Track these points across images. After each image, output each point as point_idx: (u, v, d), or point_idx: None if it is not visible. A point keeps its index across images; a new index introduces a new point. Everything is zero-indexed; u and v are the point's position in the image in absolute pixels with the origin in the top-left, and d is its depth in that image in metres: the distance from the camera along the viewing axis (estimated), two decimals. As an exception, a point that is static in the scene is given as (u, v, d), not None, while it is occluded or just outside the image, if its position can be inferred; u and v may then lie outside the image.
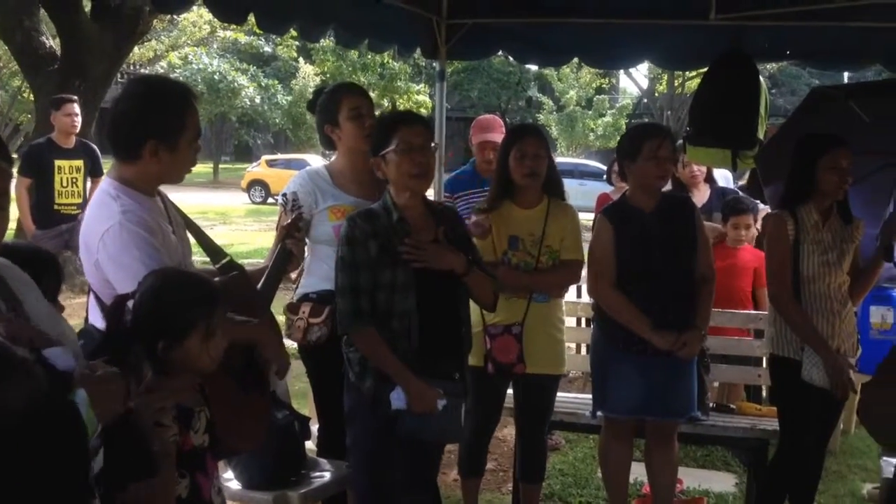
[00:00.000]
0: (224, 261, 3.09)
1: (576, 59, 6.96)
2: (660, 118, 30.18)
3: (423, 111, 23.58)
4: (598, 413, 4.28)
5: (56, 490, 1.74)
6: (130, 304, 2.42)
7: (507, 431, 5.68)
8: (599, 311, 4.19)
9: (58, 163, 7.72)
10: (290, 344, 3.97)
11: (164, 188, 2.98)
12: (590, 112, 32.27)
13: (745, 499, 4.90)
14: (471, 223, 4.08)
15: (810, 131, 4.22)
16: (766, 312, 4.54)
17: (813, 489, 4.29)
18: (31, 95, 12.13)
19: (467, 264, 3.42)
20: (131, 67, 23.46)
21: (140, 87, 2.88)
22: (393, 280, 3.29)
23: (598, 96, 33.14)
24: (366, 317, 3.29)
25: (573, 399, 5.08)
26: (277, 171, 28.83)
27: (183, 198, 4.60)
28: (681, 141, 5.77)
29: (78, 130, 7.89)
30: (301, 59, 32.24)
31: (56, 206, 7.74)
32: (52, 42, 10.39)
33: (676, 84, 31.12)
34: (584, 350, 6.11)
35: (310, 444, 3.83)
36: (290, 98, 34.06)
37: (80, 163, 7.80)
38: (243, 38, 22.91)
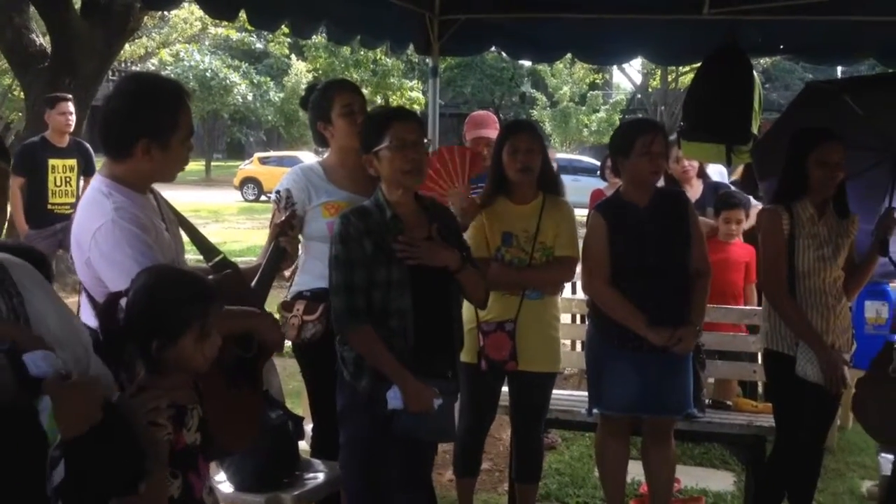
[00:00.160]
0: (217, 259, 3.08)
1: (569, 55, 6.94)
2: (653, 113, 30.19)
3: (416, 108, 23.55)
4: (594, 410, 4.25)
5: (5, 497, 1.70)
6: (123, 302, 2.40)
7: (502, 431, 5.66)
8: (594, 307, 4.17)
9: (51, 162, 7.68)
10: (285, 342, 3.96)
11: (156, 186, 2.95)
12: (583, 108, 32.25)
13: (743, 497, 4.88)
14: (455, 208, 4.07)
15: (805, 126, 4.20)
16: (760, 308, 4.52)
17: (812, 487, 4.27)
18: (22, 93, 12.05)
19: (461, 261, 3.41)
20: (122, 65, 23.36)
21: (132, 85, 2.86)
22: (388, 278, 3.27)
23: (591, 92, 33.10)
24: (362, 315, 3.27)
25: (569, 396, 5.06)
26: (270, 168, 28.81)
27: (175, 196, 4.58)
28: (675, 135, 5.76)
29: (72, 129, 7.86)
30: (293, 56, 32.17)
31: (49, 206, 7.70)
32: (43, 40, 10.33)
33: (670, 79, 31.11)
34: (579, 347, 6.08)
35: (303, 445, 3.81)
36: (282, 95, 34.00)
37: (73, 162, 7.77)
38: (235, 35, 22.85)
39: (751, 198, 5.94)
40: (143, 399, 2.29)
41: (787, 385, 4.07)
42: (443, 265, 3.36)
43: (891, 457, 4.28)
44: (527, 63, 33.21)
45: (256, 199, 28.72)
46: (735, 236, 5.66)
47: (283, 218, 3.35)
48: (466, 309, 3.76)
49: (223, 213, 23.53)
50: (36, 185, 7.61)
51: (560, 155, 24.86)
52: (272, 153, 33.79)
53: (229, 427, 2.74)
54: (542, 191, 4.19)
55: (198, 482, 2.43)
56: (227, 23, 16.76)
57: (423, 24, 6.03)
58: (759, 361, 4.76)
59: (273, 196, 3.57)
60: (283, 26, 5.47)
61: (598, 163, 11.72)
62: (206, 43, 28.56)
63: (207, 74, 32.21)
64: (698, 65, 5.95)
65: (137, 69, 20.24)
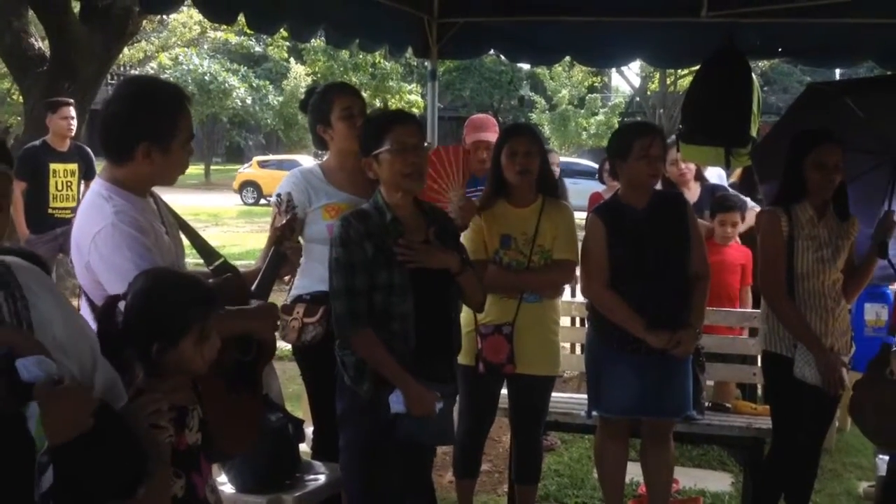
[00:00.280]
0: (218, 262, 3.07)
1: (568, 58, 6.96)
2: (652, 116, 30.19)
3: (415, 111, 23.54)
4: (594, 413, 4.26)
5: None
6: (122, 304, 2.40)
7: (502, 433, 5.66)
8: (593, 310, 4.17)
9: (53, 166, 7.67)
10: (285, 345, 3.96)
11: (155, 189, 2.95)
12: (582, 111, 32.23)
13: (741, 498, 4.89)
14: (454, 211, 4.07)
15: (806, 128, 4.21)
16: (759, 311, 4.52)
17: (809, 488, 4.29)
18: (20, 97, 12.06)
19: (461, 263, 3.41)
20: (121, 69, 23.37)
21: (131, 88, 2.87)
22: (389, 281, 3.26)
23: (590, 95, 33.08)
24: (363, 319, 3.26)
25: (568, 399, 5.06)
26: (269, 171, 28.77)
27: (175, 199, 4.58)
28: (673, 137, 5.77)
29: (74, 133, 7.86)
30: (292, 60, 32.18)
31: (50, 210, 7.69)
32: (41, 43, 10.32)
33: (668, 82, 31.12)
34: (578, 350, 6.08)
35: (304, 447, 3.81)
36: (281, 98, 33.99)
37: (74, 166, 7.76)
38: (234, 39, 22.80)
39: (748, 199, 5.95)
40: (143, 402, 2.30)
41: (784, 387, 4.07)
42: (443, 268, 3.36)
43: (888, 458, 4.28)
44: (525, 66, 33.19)
45: (256, 203, 28.69)
46: (731, 239, 5.66)
47: (284, 221, 3.35)
48: (465, 312, 3.76)
49: (222, 217, 23.51)
50: (37, 189, 7.60)
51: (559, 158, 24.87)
52: (271, 157, 33.77)
53: (229, 431, 2.74)
54: (541, 194, 4.19)
55: (200, 481, 2.44)
56: (225, 26, 16.76)
57: (421, 28, 6.04)
58: (759, 364, 4.76)
59: (274, 199, 3.56)
60: (281, 30, 5.47)
61: (597, 166, 11.73)
62: (205, 47, 28.54)
63: (206, 78, 32.17)
64: (697, 68, 5.96)
65: (136, 73, 20.25)
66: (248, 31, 16.53)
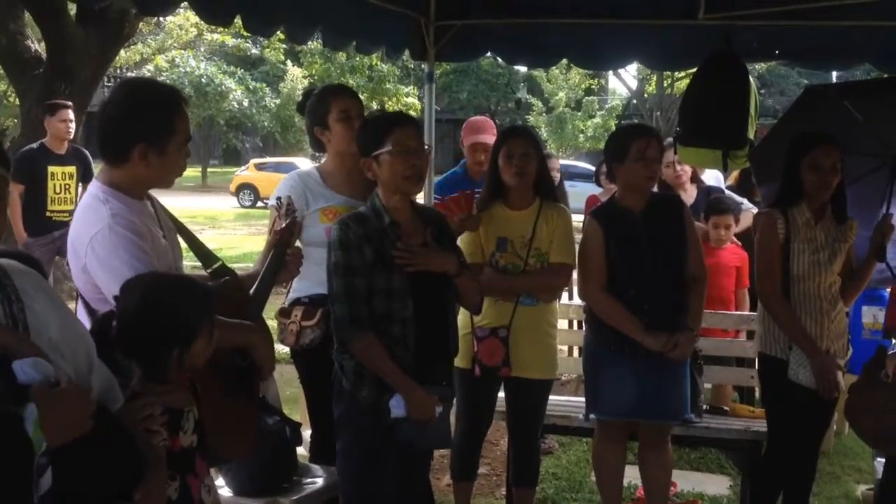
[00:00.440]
0: (215, 265, 3.07)
1: (564, 60, 6.95)
2: (649, 119, 30.19)
3: (412, 113, 23.56)
4: (591, 416, 4.25)
5: None
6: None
7: (499, 436, 5.66)
8: (591, 313, 4.17)
9: (51, 169, 7.65)
10: (283, 349, 3.95)
11: (152, 192, 2.95)
12: (579, 113, 32.25)
13: (739, 501, 4.88)
14: (458, 222, 4.07)
15: (804, 130, 4.20)
16: (756, 314, 4.52)
17: (806, 491, 4.28)
18: (17, 100, 12.04)
19: (459, 265, 3.40)
20: (118, 71, 23.34)
21: (128, 90, 2.86)
22: (389, 285, 3.25)
23: (587, 97, 33.10)
24: (364, 323, 3.24)
25: (566, 402, 5.06)
26: (266, 174, 28.75)
27: (172, 202, 4.57)
28: (670, 139, 5.77)
29: (72, 136, 7.84)
30: (289, 62, 32.16)
31: (48, 213, 7.67)
32: (38, 46, 10.32)
33: (665, 84, 31.15)
34: (576, 353, 6.09)
35: (301, 451, 3.80)
36: (278, 101, 33.98)
37: (72, 169, 7.74)
38: (230, 41, 22.80)
39: (744, 201, 5.95)
40: (137, 406, 2.29)
41: (780, 389, 4.07)
42: (442, 270, 3.35)
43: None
44: (522, 68, 33.21)
45: (253, 206, 28.67)
46: (725, 241, 5.67)
47: (284, 225, 3.34)
48: (461, 314, 3.76)
49: (219, 220, 23.51)
50: (35, 192, 7.58)
51: (556, 160, 24.89)
52: (268, 159, 33.71)
53: (226, 436, 2.74)
54: (538, 197, 4.19)
55: (195, 483, 2.43)
56: (222, 29, 16.76)
57: (418, 30, 6.03)
58: (756, 366, 4.76)
59: (273, 202, 3.55)
60: (278, 32, 5.46)
61: (594, 168, 11.73)
62: (202, 49, 28.46)
63: (203, 80, 32.14)
64: (694, 70, 5.96)
65: (133, 75, 20.24)
66: (245, 33, 16.53)
